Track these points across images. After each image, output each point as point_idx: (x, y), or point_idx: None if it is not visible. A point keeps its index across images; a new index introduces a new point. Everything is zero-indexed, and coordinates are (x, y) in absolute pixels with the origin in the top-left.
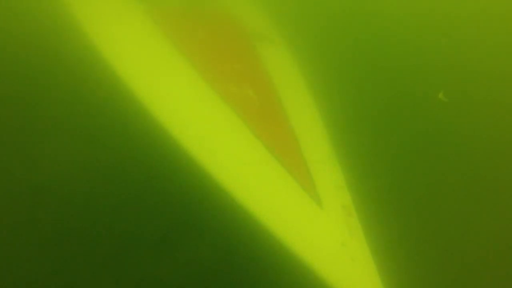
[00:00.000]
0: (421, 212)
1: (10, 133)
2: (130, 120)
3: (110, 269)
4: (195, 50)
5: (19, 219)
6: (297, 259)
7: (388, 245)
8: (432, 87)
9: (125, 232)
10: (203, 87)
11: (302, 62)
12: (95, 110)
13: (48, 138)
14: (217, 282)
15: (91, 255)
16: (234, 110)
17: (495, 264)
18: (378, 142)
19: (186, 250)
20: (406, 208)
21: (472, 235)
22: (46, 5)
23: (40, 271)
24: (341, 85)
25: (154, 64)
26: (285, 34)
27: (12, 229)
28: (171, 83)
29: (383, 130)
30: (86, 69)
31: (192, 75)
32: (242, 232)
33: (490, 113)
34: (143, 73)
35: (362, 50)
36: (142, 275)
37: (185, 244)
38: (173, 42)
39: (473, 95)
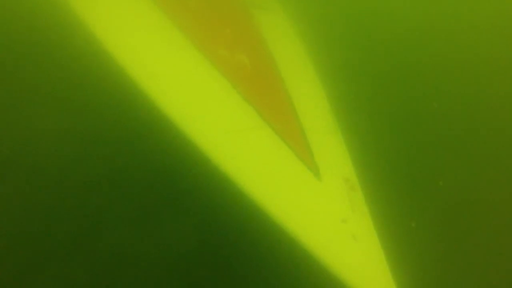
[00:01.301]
0: (430, 186)
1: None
2: (110, 84)
3: (82, 247)
4: (185, 14)
5: None
6: (291, 236)
7: (394, 222)
8: (436, 54)
9: (100, 207)
10: (190, 50)
11: (302, 30)
12: (76, 71)
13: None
14: (203, 262)
15: (62, 231)
16: (223, 73)
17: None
18: (384, 110)
19: (169, 228)
20: (415, 182)
21: (484, 213)
22: None
23: (5, 245)
24: (342, 54)
25: (140, 27)
26: (285, 3)
27: None
28: (155, 46)
29: (389, 97)
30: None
31: (179, 38)
32: (230, 207)
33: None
34: (127, 37)
35: (364, 19)
36: (118, 253)
37: (168, 220)
38: (161, 6)
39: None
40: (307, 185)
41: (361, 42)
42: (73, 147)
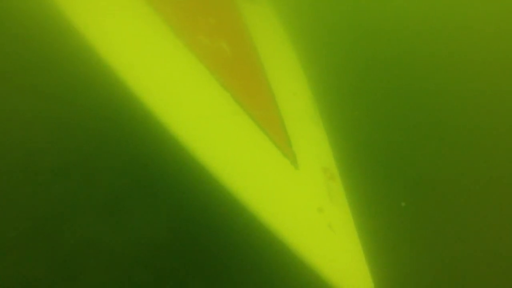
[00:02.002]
0: (410, 178)
1: None
2: (82, 69)
3: (44, 234)
4: (167, 1)
5: None
6: (264, 224)
7: (372, 213)
8: (423, 47)
9: (68, 193)
10: (168, 36)
11: (288, 21)
12: (48, 56)
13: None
14: (172, 252)
15: (24, 218)
16: (201, 60)
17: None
18: (367, 101)
19: (139, 216)
20: (395, 174)
21: (462, 207)
22: None
23: None
24: (326, 44)
25: (117, 11)
26: None
27: None
28: (132, 30)
29: (372, 88)
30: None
31: (158, 24)
32: (203, 194)
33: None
34: (102, 20)
35: (349, 11)
36: (83, 241)
37: (139, 208)
38: None
39: None
40: (283, 173)
41: (345, 33)
42: (42, 133)
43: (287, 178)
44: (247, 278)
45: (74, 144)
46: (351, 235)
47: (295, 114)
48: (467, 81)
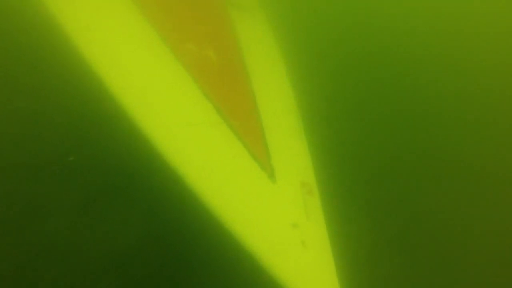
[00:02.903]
0: (393, 197)
1: None
2: (63, 67)
3: (6, 236)
4: (157, 7)
5: None
6: (236, 238)
7: (350, 232)
8: (414, 64)
9: (36, 194)
10: (154, 41)
11: (279, 34)
12: (28, 52)
13: None
14: (141, 260)
15: None
16: (185, 67)
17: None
18: (354, 117)
19: (110, 221)
20: (377, 193)
21: (445, 224)
22: None
23: None
24: (316, 58)
25: (103, 14)
26: (266, 6)
27: None
28: (116, 33)
29: (360, 104)
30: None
31: (145, 29)
32: (176, 203)
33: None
34: (88, 21)
35: (341, 25)
36: (49, 244)
37: (111, 212)
38: None
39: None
40: (259, 186)
41: (338, 49)
42: (16, 128)
43: (262, 191)
44: None
45: (49, 142)
46: (324, 253)
47: (277, 127)
48: (462, 91)
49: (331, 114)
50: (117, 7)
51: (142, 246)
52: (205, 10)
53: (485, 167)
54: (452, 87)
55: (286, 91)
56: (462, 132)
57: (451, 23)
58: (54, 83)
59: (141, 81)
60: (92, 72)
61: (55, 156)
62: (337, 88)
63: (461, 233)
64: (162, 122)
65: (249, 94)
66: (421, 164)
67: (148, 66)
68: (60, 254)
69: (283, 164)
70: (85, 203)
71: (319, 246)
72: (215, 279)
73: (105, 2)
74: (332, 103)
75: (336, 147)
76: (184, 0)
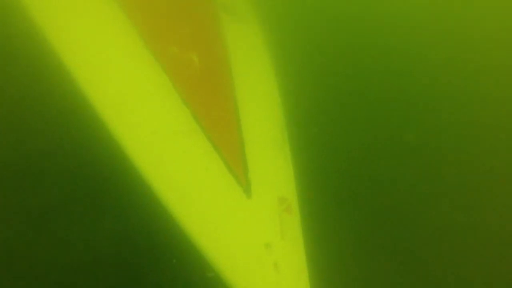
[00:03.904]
0: (385, 221)
1: None
2: (37, 67)
3: None
4: (142, 8)
5: None
6: (203, 255)
7: (330, 255)
8: (401, 70)
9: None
10: (133, 42)
11: (271, 43)
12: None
13: None
14: (108, 269)
15: None
16: (165, 70)
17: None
18: (344, 132)
19: (77, 229)
20: (368, 214)
21: (435, 242)
22: None
23: None
24: (308, 70)
25: (82, 12)
26: (258, 10)
27: None
28: (93, 33)
29: (352, 119)
30: None
31: (125, 29)
32: (144, 213)
33: None
34: (65, 19)
35: (337, 38)
36: (13, 251)
37: (78, 220)
38: None
39: None
40: (232, 201)
41: (330, 60)
42: None
43: (236, 207)
44: None
45: (18, 145)
46: (299, 277)
47: (259, 139)
48: (459, 93)
49: (320, 128)
50: (96, 4)
51: (107, 256)
52: (192, 12)
53: (489, 172)
54: (449, 87)
55: (272, 101)
56: (460, 137)
57: (443, 16)
58: (25, 83)
59: (115, 84)
60: (65, 72)
61: (22, 157)
62: (328, 102)
63: (458, 244)
64: (134, 127)
65: (231, 103)
66: (416, 181)
67: (124, 68)
68: (21, 261)
69: (261, 179)
70: (51, 208)
71: (293, 269)
72: None
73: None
74: (322, 117)
75: (322, 162)
76: (173, 2)
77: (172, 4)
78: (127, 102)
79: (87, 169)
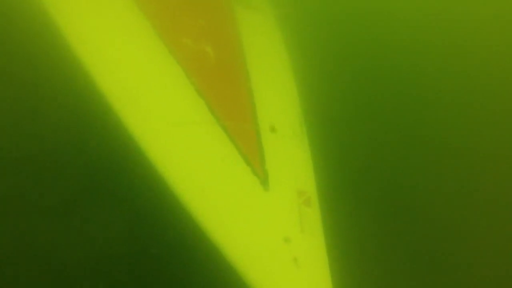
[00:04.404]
0: (406, 215)
1: None
2: (52, 58)
3: None
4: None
5: None
6: (220, 251)
7: (353, 251)
8: (421, 62)
9: (14, 189)
10: (147, 34)
11: (288, 35)
12: (20, 43)
13: None
14: (123, 262)
15: None
16: (179, 61)
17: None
18: (363, 121)
19: (93, 221)
20: (388, 207)
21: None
22: None
23: None
24: (326, 62)
25: (97, 6)
26: (274, 3)
27: None
28: (107, 25)
29: (370, 109)
30: None
31: (139, 21)
32: (158, 206)
33: None
34: (81, 13)
35: (354, 30)
36: (30, 245)
37: (93, 213)
38: None
39: None
40: (249, 193)
41: (347, 51)
42: None
43: (252, 199)
44: None
45: (32, 136)
46: (320, 272)
47: (277, 129)
48: (468, 94)
49: (338, 119)
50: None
51: (123, 249)
52: (206, 4)
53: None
54: (460, 87)
55: (290, 92)
56: (473, 134)
57: (459, 24)
58: (39, 74)
59: (128, 75)
60: (79, 64)
61: (38, 151)
62: (346, 92)
63: (471, 243)
64: (148, 119)
65: (246, 93)
66: (440, 177)
67: (137, 60)
68: (37, 254)
69: (279, 170)
70: (65, 202)
71: (313, 264)
72: None
73: None
74: (340, 107)
75: (342, 154)
76: None
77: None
78: (141, 94)
79: (102, 161)
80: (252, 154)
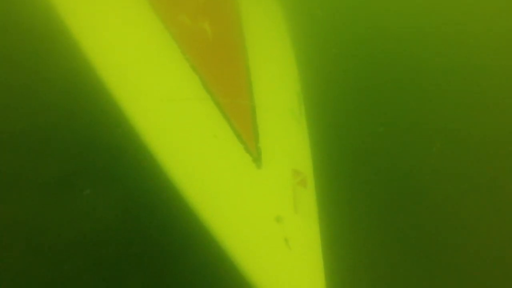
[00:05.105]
0: (403, 198)
1: None
2: (44, 37)
3: None
4: None
5: None
6: (209, 230)
7: (349, 233)
8: (422, 51)
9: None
10: (142, 10)
11: (289, 12)
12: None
13: None
14: (113, 239)
15: None
16: (175, 38)
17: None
18: (364, 101)
19: (85, 201)
20: (386, 191)
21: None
22: None
23: None
24: (328, 41)
25: None
26: None
27: None
28: (103, 2)
29: (371, 90)
30: None
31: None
32: (150, 185)
33: None
34: None
35: (358, 16)
36: (23, 220)
37: (86, 192)
38: None
39: None
40: (240, 171)
41: (349, 30)
42: None
43: (244, 177)
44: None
45: (24, 111)
46: (311, 254)
47: (273, 107)
48: (470, 85)
49: (339, 99)
50: None
51: (111, 226)
52: None
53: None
54: (459, 71)
55: (288, 70)
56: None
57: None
58: (29, 49)
59: (121, 51)
60: (70, 40)
61: (30, 127)
62: (347, 72)
63: (470, 241)
64: (140, 95)
65: (243, 69)
66: (439, 161)
67: (131, 35)
68: (28, 231)
69: (274, 148)
70: (59, 178)
71: (305, 246)
72: (183, 272)
73: None
74: (341, 87)
75: (341, 136)
76: None
77: None
78: (133, 69)
79: (93, 138)
80: (246, 131)
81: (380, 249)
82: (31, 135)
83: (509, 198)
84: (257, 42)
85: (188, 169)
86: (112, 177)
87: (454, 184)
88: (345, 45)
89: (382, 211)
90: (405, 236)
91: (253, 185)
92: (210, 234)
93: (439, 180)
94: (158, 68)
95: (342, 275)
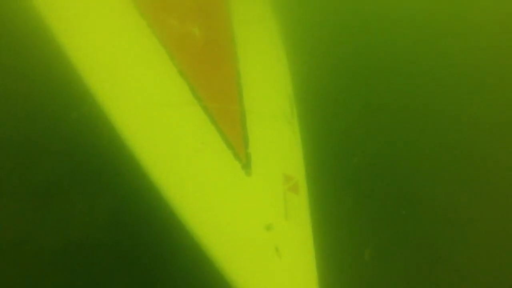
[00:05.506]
0: (397, 203)
1: None
2: (29, 40)
3: None
4: None
5: None
6: (196, 239)
7: (342, 241)
8: (417, 53)
9: None
10: (129, 14)
11: (281, 16)
12: None
13: None
14: (98, 251)
15: None
16: (162, 43)
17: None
18: (358, 106)
19: (73, 209)
20: (380, 197)
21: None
22: None
23: None
24: (321, 46)
25: None
26: None
27: None
28: (89, 6)
29: (362, 92)
30: None
31: (122, 1)
32: (136, 192)
33: None
34: None
35: (354, 21)
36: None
37: (74, 200)
38: None
39: None
40: (228, 178)
41: (341, 35)
42: None
43: (232, 184)
44: None
45: (10, 118)
46: (304, 263)
47: (264, 111)
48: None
49: (332, 104)
50: None
51: (99, 233)
52: None
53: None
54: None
55: (281, 75)
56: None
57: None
58: (14, 54)
59: (107, 56)
60: (55, 43)
61: (16, 135)
62: (340, 76)
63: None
64: (126, 100)
65: (233, 74)
66: (428, 161)
67: (116, 40)
68: (15, 239)
69: (264, 154)
70: (45, 186)
71: (297, 255)
72: (171, 281)
73: None
74: (334, 91)
75: (334, 140)
76: None
77: None
78: (120, 75)
79: (80, 145)
80: (235, 137)
81: (376, 257)
82: (16, 142)
83: (506, 193)
84: (248, 45)
85: (176, 176)
86: (98, 184)
87: (450, 189)
88: (337, 48)
89: (378, 218)
90: (400, 242)
91: (242, 193)
92: (198, 243)
93: (435, 185)
94: (144, 73)
95: (336, 285)
